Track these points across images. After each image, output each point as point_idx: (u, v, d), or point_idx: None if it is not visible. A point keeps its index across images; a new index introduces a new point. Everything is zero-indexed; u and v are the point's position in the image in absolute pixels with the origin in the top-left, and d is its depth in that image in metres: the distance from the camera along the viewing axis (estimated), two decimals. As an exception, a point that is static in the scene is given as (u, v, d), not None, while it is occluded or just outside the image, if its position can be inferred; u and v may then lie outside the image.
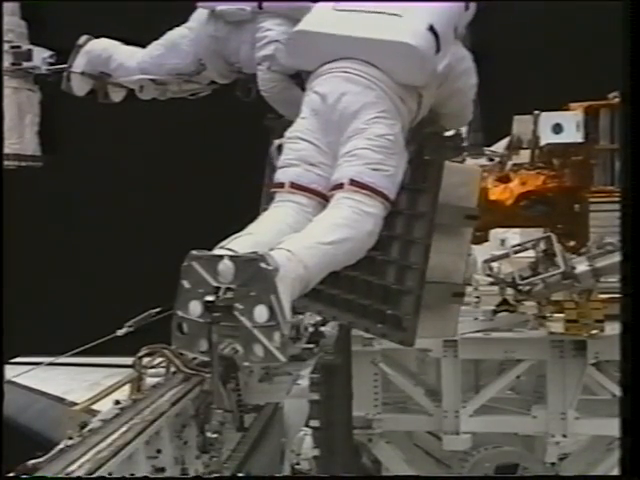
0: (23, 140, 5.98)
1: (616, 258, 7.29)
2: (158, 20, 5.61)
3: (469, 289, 7.72)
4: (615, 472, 7.67)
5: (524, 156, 9.36)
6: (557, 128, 8.37)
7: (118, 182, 15.63)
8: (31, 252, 14.24)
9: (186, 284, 3.32)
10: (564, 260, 7.65)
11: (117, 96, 5.75)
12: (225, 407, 3.74)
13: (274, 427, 4.79)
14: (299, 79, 4.65)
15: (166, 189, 15.83)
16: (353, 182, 3.77)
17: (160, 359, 4.66)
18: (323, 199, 3.90)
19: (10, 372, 6.40)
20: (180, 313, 3.34)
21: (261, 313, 3.17)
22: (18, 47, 5.87)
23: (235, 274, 3.22)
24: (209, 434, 4.26)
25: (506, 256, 8.14)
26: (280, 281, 3.21)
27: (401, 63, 3.97)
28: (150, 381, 4.57)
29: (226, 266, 3.24)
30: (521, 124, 9.60)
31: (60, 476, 3.21)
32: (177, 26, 5.33)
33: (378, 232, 3.85)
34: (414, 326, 4.24)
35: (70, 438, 3.62)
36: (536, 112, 8.66)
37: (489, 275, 8.08)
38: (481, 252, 8.48)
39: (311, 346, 6.28)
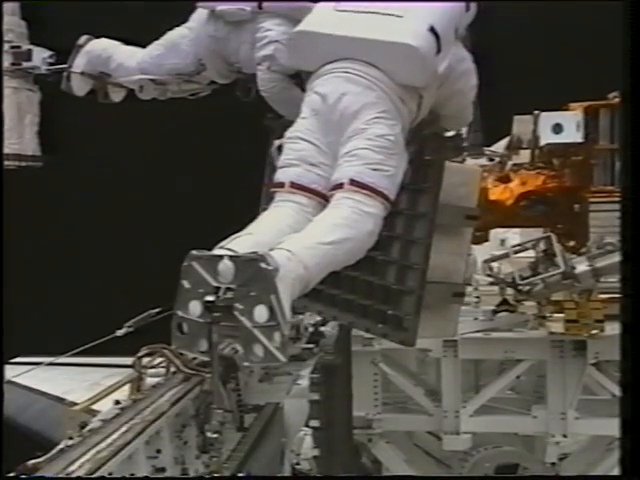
0: (23, 140, 5.98)
1: (616, 258, 7.30)
2: (158, 20, 5.61)
3: (469, 289, 7.72)
4: (615, 472, 7.67)
5: (524, 156, 9.37)
6: (557, 128, 8.37)
7: (118, 182, 15.62)
8: (31, 252, 14.24)
9: (186, 284, 3.32)
10: (564, 260, 7.66)
11: (117, 96, 5.75)
12: (225, 407, 3.74)
13: (274, 427, 4.78)
14: (299, 79, 4.65)
15: (166, 189, 15.82)
16: (353, 182, 3.78)
17: (160, 359, 4.66)
18: (323, 199, 3.90)
19: (10, 372, 6.40)
20: (180, 313, 3.34)
21: (261, 313, 3.17)
22: (18, 47, 5.86)
23: (235, 274, 3.22)
24: (209, 434, 4.25)
25: (506, 256, 8.15)
26: (280, 281, 3.21)
27: (402, 64, 3.97)
28: (150, 381, 4.56)
29: (226, 266, 3.24)
30: (521, 124, 9.61)
31: (60, 476, 3.21)
32: (177, 26, 5.33)
33: (378, 232, 3.85)
34: (415, 326, 4.24)
35: (70, 438, 3.62)
36: (536, 112, 8.66)
37: (489, 275, 8.09)
38: (481, 252, 8.48)
39: (311, 346, 6.28)
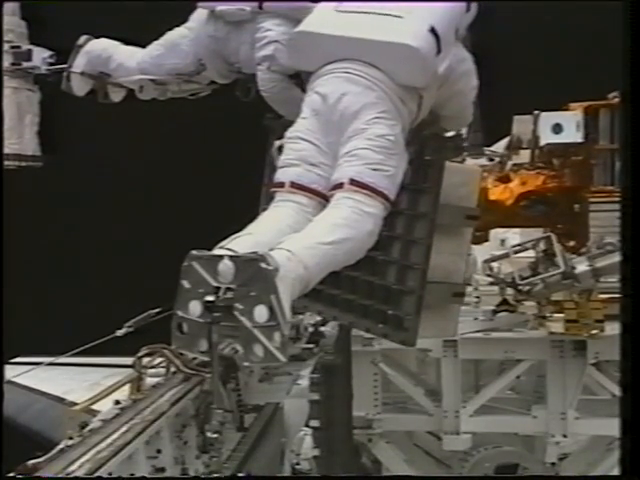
0: (23, 140, 5.98)
1: (616, 258, 7.29)
2: (158, 20, 5.61)
3: (469, 289, 7.71)
4: (615, 472, 7.67)
5: (524, 156, 9.37)
6: (557, 128, 8.37)
7: (118, 182, 15.62)
8: (31, 252, 14.24)
9: (186, 284, 3.32)
10: (564, 260, 7.66)
11: (117, 96, 5.75)
12: (225, 407, 3.74)
13: (274, 427, 4.78)
14: (298, 79, 4.65)
15: (166, 189, 15.82)
16: (353, 182, 3.78)
17: (160, 359, 4.65)
18: (323, 199, 3.91)
19: (10, 372, 6.40)
20: (180, 313, 3.34)
21: (261, 313, 3.17)
22: (18, 47, 5.87)
23: (235, 274, 3.22)
24: (209, 434, 4.25)
25: (506, 256, 8.15)
26: (280, 281, 3.21)
27: (402, 64, 3.97)
28: (150, 381, 4.56)
29: (226, 266, 3.24)
30: (521, 124, 9.61)
31: (60, 476, 3.21)
32: (177, 26, 5.34)
33: (378, 232, 3.85)
34: (415, 326, 4.24)
35: (70, 438, 3.61)
36: (536, 112, 8.66)
37: (489, 275, 8.09)
38: (481, 252, 8.48)
39: (311, 346, 6.28)
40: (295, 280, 3.34)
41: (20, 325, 5.82)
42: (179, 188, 15.85)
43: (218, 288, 3.24)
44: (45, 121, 6.10)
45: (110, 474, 3.36)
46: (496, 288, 8.15)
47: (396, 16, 4.01)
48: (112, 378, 4.86)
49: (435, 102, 4.32)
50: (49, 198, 14.96)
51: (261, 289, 3.18)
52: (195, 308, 3.28)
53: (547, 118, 8.49)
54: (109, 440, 3.58)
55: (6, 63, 5.79)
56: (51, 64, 5.87)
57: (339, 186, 3.81)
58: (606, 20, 5.23)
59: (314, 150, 3.98)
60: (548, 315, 8.16)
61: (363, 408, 8.38)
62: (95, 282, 16.03)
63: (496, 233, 9.40)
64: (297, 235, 3.61)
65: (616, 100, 8.35)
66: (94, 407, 4.25)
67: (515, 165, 9.37)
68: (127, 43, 5.61)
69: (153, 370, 4.66)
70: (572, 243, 8.59)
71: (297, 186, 3.94)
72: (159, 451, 3.97)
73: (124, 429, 3.73)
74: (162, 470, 3.94)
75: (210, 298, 3.23)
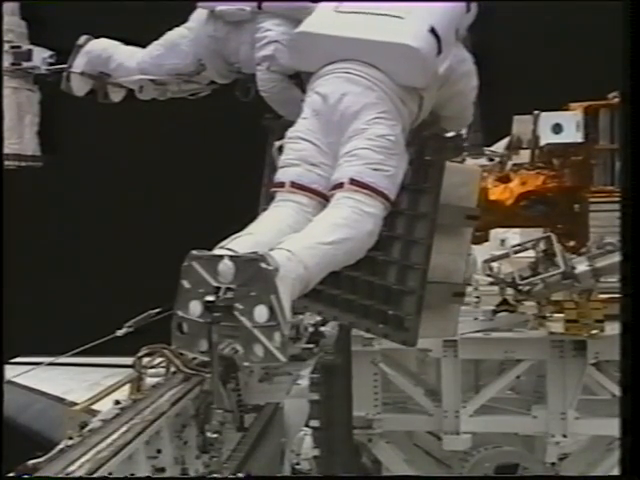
0: (23, 140, 5.98)
1: (616, 258, 7.29)
2: (158, 20, 5.61)
3: (469, 289, 7.71)
4: (615, 472, 7.67)
5: (524, 156, 9.37)
6: (557, 128, 8.37)
7: (118, 182, 15.62)
8: (31, 252, 14.23)
9: (186, 284, 3.32)
10: (564, 260, 7.66)
11: (117, 96, 5.75)
12: (225, 407, 3.74)
13: (274, 427, 4.78)
14: (298, 79, 4.65)
15: (166, 189, 15.81)
16: (353, 182, 3.78)
17: (160, 359, 4.65)
18: (323, 199, 3.91)
19: (10, 372, 6.40)
20: (180, 313, 3.34)
21: (261, 313, 3.17)
22: (18, 47, 5.87)
23: (235, 274, 3.22)
24: (209, 434, 4.25)
25: (506, 256, 8.15)
26: (280, 281, 3.22)
27: (402, 65, 3.97)
28: (150, 381, 4.56)
29: (226, 266, 3.24)
30: (521, 124, 9.61)
31: (60, 476, 3.20)
32: (177, 26, 5.34)
33: (378, 232, 3.85)
34: (416, 326, 4.25)
35: (70, 438, 3.61)
36: (536, 112, 8.66)
37: (489, 275, 8.09)
38: (481, 252, 8.48)
39: (311, 346, 6.27)
40: (295, 280, 3.34)
41: (20, 325, 5.82)
42: (179, 188, 15.85)
43: (218, 288, 3.24)
44: (45, 121, 6.10)
45: (110, 474, 3.36)
46: (496, 288, 8.15)
47: (396, 16, 4.01)
48: (112, 378, 4.86)
49: (435, 102, 4.32)
50: (49, 198, 14.96)
51: (261, 289, 3.18)
52: (195, 308, 3.28)
53: (547, 118, 8.49)
54: (109, 440, 3.57)
55: (6, 63, 5.79)
56: (51, 64, 5.87)
57: (339, 186, 3.81)
58: (606, 20, 5.23)
59: (314, 150, 3.98)
60: (548, 315, 8.16)
61: (363, 408, 8.38)
62: (95, 282, 16.02)
63: (496, 233, 9.40)
64: (297, 235, 3.61)
65: (616, 100, 8.35)
66: (94, 407, 4.25)
67: (515, 165, 9.36)
68: (127, 43, 5.61)
69: (153, 370, 4.66)
70: (572, 243, 8.59)
71: (297, 186, 3.94)
72: (159, 451, 3.97)
73: (124, 429, 3.73)
74: (162, 470, 3.94)
75: (210, 298, 3.23)
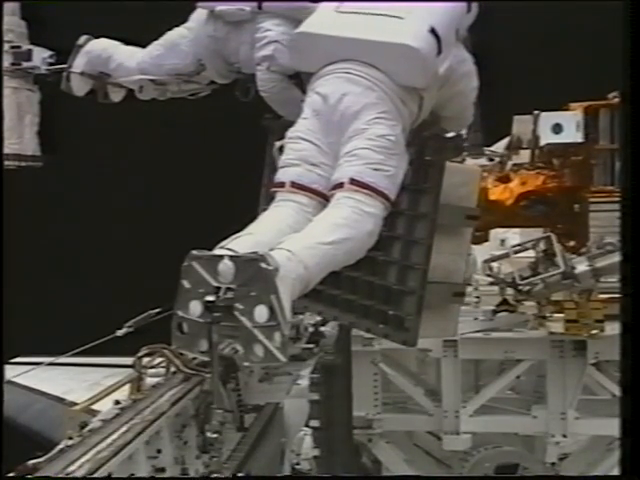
0: (23, 140, 5.98)
1: (616, 258, 7.29)
2: (158, 20, 5.60)
3: (469, 289, 7.71)
4: (615, 472, 7.67)
5: (524, 156, 9.36)
6: (557, 128, 8.38)
7: (118, 182, 15.62)
8: (31, 252, 14.23)
9: (186, 284, 3.32)
10: (564, 260, 7.66)
11: (117, 96, 5.75)
12: (225, 407, 3.74)
13: (274, 427, 4.78)
14: (298, 79, 4.65)
15: (166, 189, 15.82)
16: (353, 181, 3.78)
17: (160, 359, 4.65)
18: (324, 199, 3.91)
19: (10, 372, 6.41)
20: (180, 313, 3.34)
21: (261, 313, 3.17)
22: (18, 47, 5.87)
23: (235, 274, 3.22)
24: (209, 434, 4.25)
25: (506, 256, 8.15)
26: (280, 281, 3.21)
27: (402, 65, 3.97)
28: (150, 381, 4.56)
29: (226, 266, 3.24)
30: (521, 124, 9.61)
31: (60, 476, 3.21)
32: (177, 26, 5.34)
33: (378, 232, 3.85)
34: (416, 326, 4.25)
35: (70, 438, 3.61)
36: (536, 112, 8.66)
37: (489, 275, 8.09)
38: (481, 252, 8.47)
39: (311, 346, 6.27)
40: (295, 280, 3.34)
41: (20, 325, 5.82)
42: (179, 188, 15.85)
43: (218, 288, 3.24)
44: (45, 121, 6.10)
45: (110, 474, 3.36)
46: (496, 288, 8.15)
47: (396, 17, 4.01)
48: (112, 378, 4.86)
49: (436, 103, 4.32)
50: (49, 198, 14.97)
51: (261, 289, 3.18)
52: (195, 308, 3.28)
53: (547, 118, 8.49)
54: (109, 440, 3.57)
55: (6, 63, 5.79)
56: (51, 64, 5.87)
57: (339, 186, 3.81)
58: (606, 20, 5.23)
59: (315, 150, 3.98)
60: (548, 315, 8.16)
61: (363, 408, 8.38)
62: (95, 282, 16.03)
63: (496, 233, 9.39)
64: (297, 235, 3.61)
65: (616, 100, 8.35)
66: (94, 407, 4.25)
67: (515, 165, 9.36)
68: (127, 43, 5.61)
69: (153, 370, 4.66)
70: (572, 243, 8.59)
71: (297, 186, 3.94)
72: (159, 451, 3.97)
73: (124, 429, 3.73)
74: (162, 470, 3.94)
75: (210, 298, 3.23)
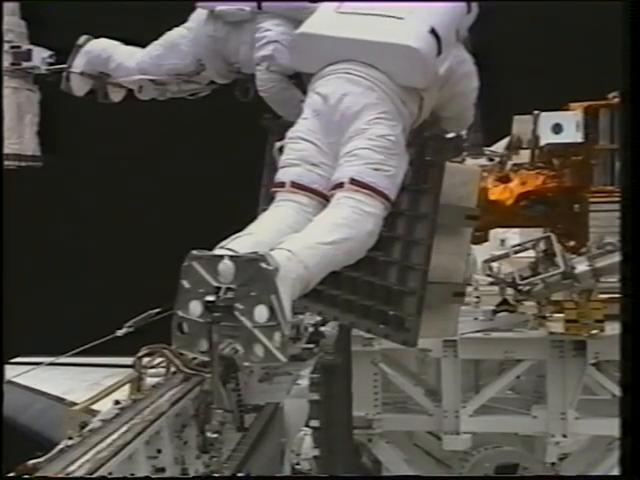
0: (23, 140, 5.98)
1: (616, 258, 7.29)
2: (158, 20, 5.60)
3: (469, 289, 7.71)
4: (615, 472, 7.66)
5: (524, 156, 9.37)
6: (557, 128, 8.38)
7: (118, 182, 15.62)
8: (31, 252, 14.24)
9: (186, 284, 3.32)
10: (564, 260, 7.66)
11: (116, 96, 5.75)
12: (225, 407, 3.74)
13: (274, 427, 4.78)
14: (297, 79, 4.65)
15: (166, 189, 15.82)
16: (354, 181, 3.78)
17: (160, 359, 4.65)
18: (324, 199, 3.91)
19: (10, 372, 6.41)
20: (180, 313, 3.34)
21: (261, 313, 3.17)
22: (18, 47, 5.87)
23: (235, 274, 3.22)
24: (209, 434, 4.25)
25: (506, 256, 8.15)
26: (280, 281, 3.21)
27: (403, 65, 3.97)
28: (150, 381, 4.56)
29: (226, 266, 3.24)
30: (521, 124, 9.61)
31: (60, 476, 3.21)
32: (177, 26, 5.33)
33: (378, 232, 3.85)
34: (417, 327, 4.25)
35: (70, 438, 3.61)
36: (536, 112, 8.67)
37: (489, 275, 8.09)
38: (481, 252, 8.48)
39: (311, 346, 6.28)
40: (295, 280, 3.34)
41: (20, 325, 5.82)
42: (179, 188, 15.86)
43: (218, 288, 3.24)
44: (45, 121, 6.10)
45: (110, 474, 3.36)
46: (496, 288, 8.15)
47: (397, 17, 4.01)
48: (112, 378, 4.86)
49: (436, 103, 4.32)
50: (49, 198, 14.97)
51: (261, 289, 3.18)
52: (195, 308, 3.28)
53: (547, 118, 8.49)
54: (109, 440, 3.58)
55: (6, 63, 5.79)
56: (51, 64, 5.87)
57: (339, 186, 3.81)
58: (606, 20, 5.23)
59: (315, 150, 3.98)
60: (548, 315, 8.16)
61: (363, 408, 8.38)
62: (95, 282, 16.03)
63: (496, 233, 9.40)
64: (297, 235, 3.61)
65: (616, 100, 8.35)
66: (94, 407, 4.25)
67: (515, 165, 9.37)
68: (127, 43, 5.61)
69: (153, 370, 4.66)
70: (572, 243, 8.59)
71: (298, 186, 3.94)
72: (159, 451, 3.97)
73: (124, 429, 3.73)
74: (162, 470, 3.94)
75: (210, 298, 3.23)
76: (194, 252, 3.35)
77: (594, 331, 7.66)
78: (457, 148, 5.04)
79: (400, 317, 4.28)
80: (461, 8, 4.22)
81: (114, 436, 3.63)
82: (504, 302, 8.18)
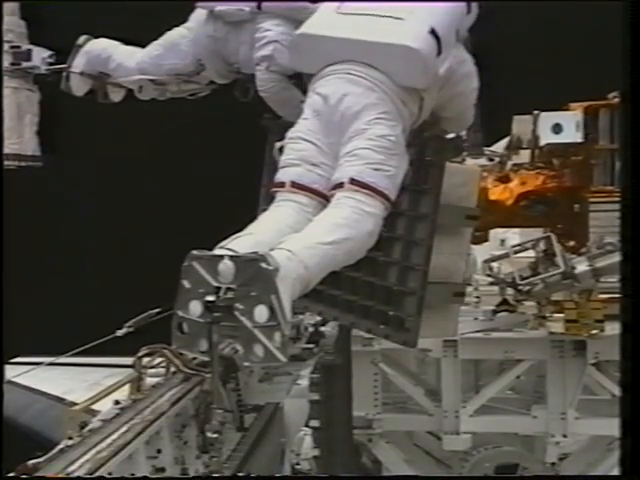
0: (22, 140, 5.98)
1: (616, 258, 7.29)
2: (158, 20, 5.60)
3: (469, 289, 7.71)
4: (615, 472, 7.67)
5: (524, 156, 9.37)
6: (557, 128, 8.38)
7: (118, 182, 15.63)
8: (31, 252, 14.24)
9: (186, 284, 3.32)
10: (564, 260, 7.66)
11: (116, 96, 5.75)
12: (225, 407, 3.74)
13: (274, 427, 4.78)
14: (297, 79, 4.65)
15: (166, 189, 15.83)
16: (354, 181, 3.78)
17: (160, 359, 4.65)
18: (324, 199, 3.90)
19: (10, 372, 6.41)
20: (180, 313, 3.34)
21: (261, 313, 3.17)
22: (18, 47, 5.87)
23: (235, 274, 3.22)
24: (209, 434, 4.25)
25: (506, 256, 8.15)
26: (280, 281, 3.21)
27: (402, 66, 3.97)
28: (150, 381, 4.56)
29: (226, 266, 3.24)
30: (521, 124, 9.60)
31: (60, 476, 3.21)
32: (177, 26, 5.33)
33: (378, 232, 3.85)
34: (417, 327, 4.25)
35: (70, 438, 3.61)
36: (536, 112, 8.66)
37: (489, 275, 8.09)
38: (481, 252, 8.48)
39: (311, 346, 6.28)
40: (295, 280, 3.34)
41: (20, 325, 5.82)
42: (179, 188, 15.86)
43: (218, 288, 3.23)
44: (45, 121, 6.10)
45: (110, 474, 3.36)
46: (496, 288, 8.15)
47: (396, 18, 4.01)
48: (112, 378, 4.86)
49: (436, 104, 4.32)
50: (49, 198, 14.98)
51: (261, 289, 3.18)
52: (195, 308, 3.28)
53: (547, 118, 8.49)
54: (109, 440, 3.58)
55: (6, 63, 5.79)
56: (51, 64, 5.87)
57: (339, 186, 3.81)
58: (606, 20, 5.23)
59: (315, 150, 3.98)
60: (548, 315, 8.16)
61: (363, 408, 8.38)
62: (95, 282, 16.03)
63: (496, 233, 9.40)
64: (297, 235, 3.61)
65: (616, 100, 8.35)
66: (94, 407, 4.25)
67: (515, 165, 9.36)
68: (127, 43, 5.61)
69: (153, 370, 4.66)
70: (572, 243, 8.59)
71: (298, 186, 3.94)
72: (159, 451, 3.97)
73: (124, 429, 3.73)
74: (162, 470, 3.94)
75: (210, 298, 3.22)
76: (194, 252, 3.35)
77: (594, 331, 7.66)
78: (457, 148, 5.04)
79: (400, 317, 4.28)
80: (461, 8, 4.22)
81: (114, 436, 3.63)
82: (504, 302, 8.18)
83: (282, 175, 4.03)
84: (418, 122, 4.23)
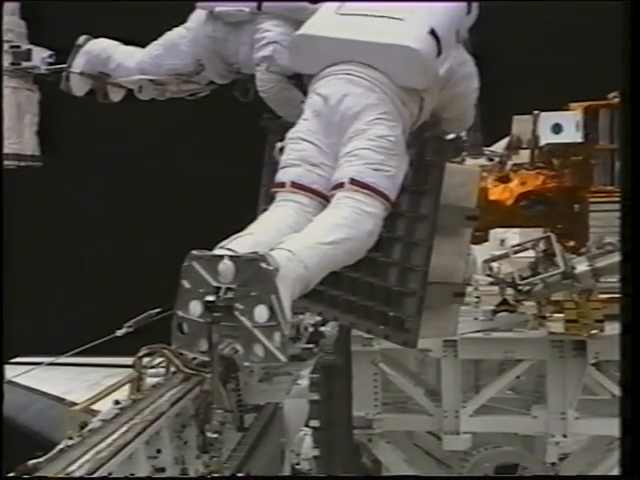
0: (22, 140, 5.98)
1: (616, 258, 7.29)
2: (158, 20, 5.60)
3: (469, 289, 7.71)
4: (615, 472, 7.67)
5: (524, 156, 9.36)
6: (557, 128, 8.38)
7: (118, 182, 15.63)
8: (31, 252, 14.24)
9: (186, 284, 3.32)
10: (564, 260, 7.66)
11: (116, 96, 5.75)
12: (225, 407, 3.74)
13: (274, 427, 4.78)
14: (297, 80, 4.65)
15: (166, 189, 15.82)
16: (354, 181, 3.78)
17: (160, 359, 4.65)
18: (324, 199, 3.91)
19: (10, 372, 6.41)
20: (180, 313, 3.34)
21: (261, 313, 3.17)
22: (17, 47, 5.87)
23: (235, 274, 3.22)
24: (209, 434, 4.25)
25: (506, 256, 8.15)
26: (280, 281, 3.21)
27: (403, 66, 3.98)
28: (150, 381, 4.56)
29: (226, 266, 3.24)
30: (521, 124, 9.60)
31: (60, 476, 3.21)
32: (177, 26, 5.34)
33: (378, 232, 3.85)
34: (417, 327, 4.25)
35: (70, 438, 3.61)
36: (536, 112, 8.66)
37: (489, 275, 8.09)
38: (481, 252, 8.48)
39: (311, 346, 6.28)
40: (295, 280, 3.34)
41: (20, 325, 5.82)
42: (179, 188, 15.86)
43: (218, 288, 3.23)
44: (45, 121, 6.10)
45: (110, 474, 3.36)
46: (496, 288, 8.15)
47: (397, 18, 4.02)
48: (112, 378, 4.86)
49: (436, 104, 4.32)
50: (49, 198, 14.97)
51: (261, 289, 3.18)
52: (195, 308, 3.28)
53: (547, 118, 8.49)
54: (109, 440, 3.57)
55: (6, 63, 5.79)
56: (50, 64, 5.87)
57: (340, 186, 3.81)
58: (606, 20, 5.23)
59: (315, 151, 3.99)
60: (548, 315, 8.16)
61: (363, 408, 8.38)
62: (95, 282, 16.03)
63: (496, 233, 9.40)
64: (297, 235, 3.61)
65: (616, 100, 8.35)
66: (94, 407, 4.25)
67: (515, 165, 9.36)
68: (127, 43, 5.61)
69: (153, 370, 4.66)
70: (572, 243, 8.59)
71: (298, 186, 3.95)
72: (159, 451, 3.96)
73: (124, 429, 3.73)
74: (162, 470, 3.94)
75: (210, 298, 3.22)
76: (194, 252, 3.35)
77: (594, 331, 7.67)
78: (457, 149, 5.04)
79: (400, 318, 4.28)
80: (461, 9, 4.22)
81: (114, 436, 3.63)
82: (504, 302, 8.18)
83: (282, 175, 4.03)
84: (418, 123, 4.23)
